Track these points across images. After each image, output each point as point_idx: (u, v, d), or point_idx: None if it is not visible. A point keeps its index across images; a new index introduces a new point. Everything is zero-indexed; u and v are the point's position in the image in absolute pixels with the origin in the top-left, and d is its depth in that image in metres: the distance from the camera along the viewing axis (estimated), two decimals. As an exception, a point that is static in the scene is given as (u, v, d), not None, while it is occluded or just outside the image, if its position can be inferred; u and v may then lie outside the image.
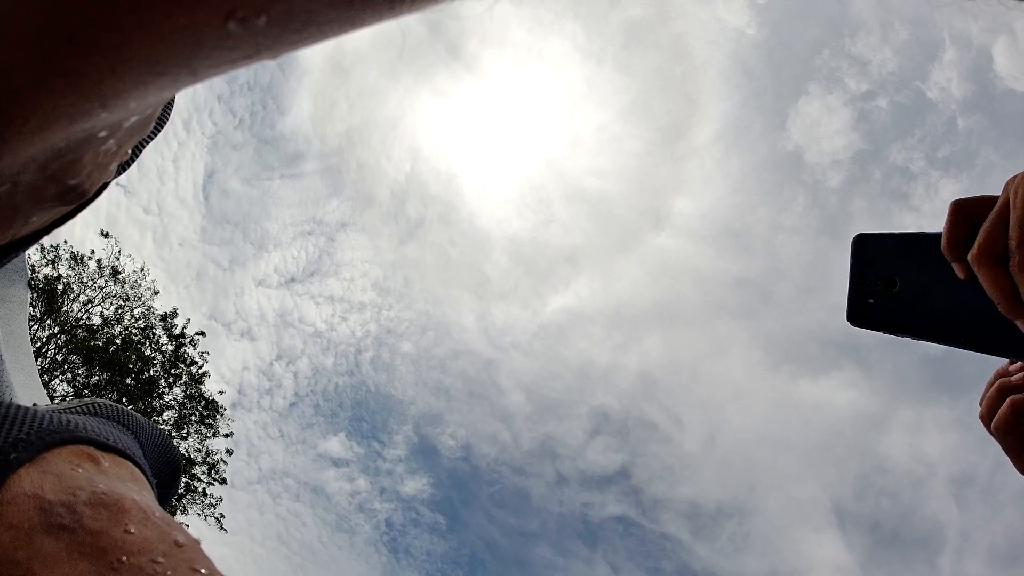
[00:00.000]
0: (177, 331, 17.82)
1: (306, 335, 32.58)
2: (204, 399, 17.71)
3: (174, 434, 16.77)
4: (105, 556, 0.29)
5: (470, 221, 35.15)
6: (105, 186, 0.41)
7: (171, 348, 17.73)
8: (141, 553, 0.30)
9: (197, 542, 0.34)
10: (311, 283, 33.30)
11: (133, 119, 0.29)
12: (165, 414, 16.79)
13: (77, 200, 0.33)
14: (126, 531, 0.31)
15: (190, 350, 17.87)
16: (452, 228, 34.67)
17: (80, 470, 0.34)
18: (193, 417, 17.36)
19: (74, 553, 0.28)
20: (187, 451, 16.78)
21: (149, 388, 16.70)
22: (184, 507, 15.93)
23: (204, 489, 16.37)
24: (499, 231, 35.23)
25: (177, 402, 17.18)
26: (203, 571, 0.31)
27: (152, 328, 17.62)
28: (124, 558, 0.29)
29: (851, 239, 0.66)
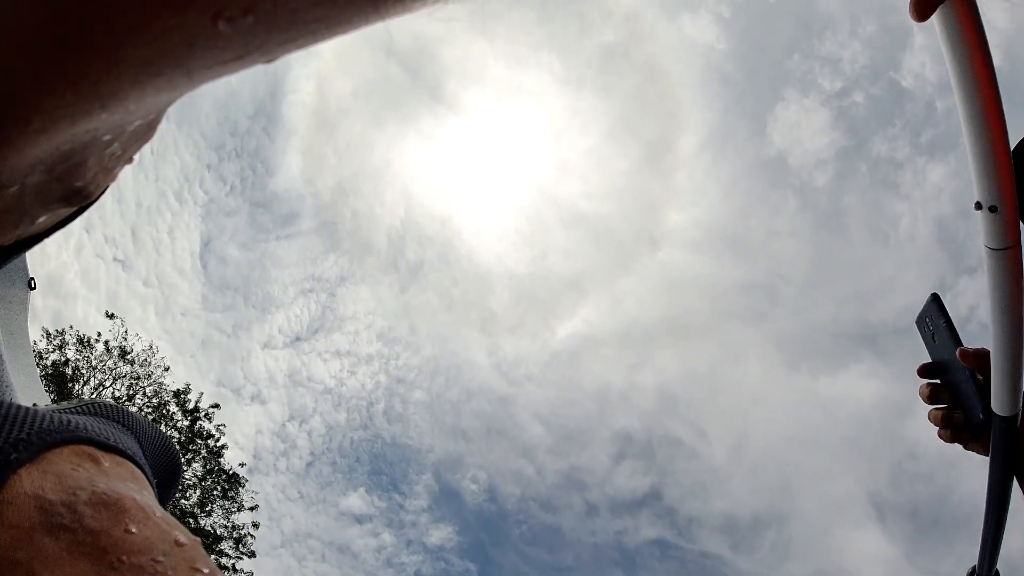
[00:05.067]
0: (191, 406, 17.64)
1: (316, 393, 32.39)
2: (225, 472, 17.41)
3: (198, 512, 16.39)
4: (106, 555, 0.29)
5: (470, 258, 35.32)
6: (106, 188, 0.42)
7: (187, 424, 17.52)
8: (142, 552, 0.30)
9: (198, 541, 0.34)
10: (316, 340, 33.26)
11: (136, 123, 0.29)
12: (187, 493, 16.44)
13: (82, 202, 0.34)
14: (127, 530, 0.31)
15: (206, 424, 17.67)
16: (453, 267, 34.80)
17: (81, 470, 0.34)
18: (215, 492, 17.02)
19: (75, 553, 0.29)
20: (212, 527, 16.37)
21: (168, 466, 16.42)
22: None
23: (233, 564, 15.93)
24: (500, 265, 35.35)
25: (198, 477, 16.85)
26: (204, 570, 0.32)
27: (166, 405, 17.46)
28: (125, 557, 0.29)
29: (930, 295, 1.16)
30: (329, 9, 0.22)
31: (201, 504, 16.59)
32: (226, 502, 17.11)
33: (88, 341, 16.99)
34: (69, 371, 16.33)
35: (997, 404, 1.01)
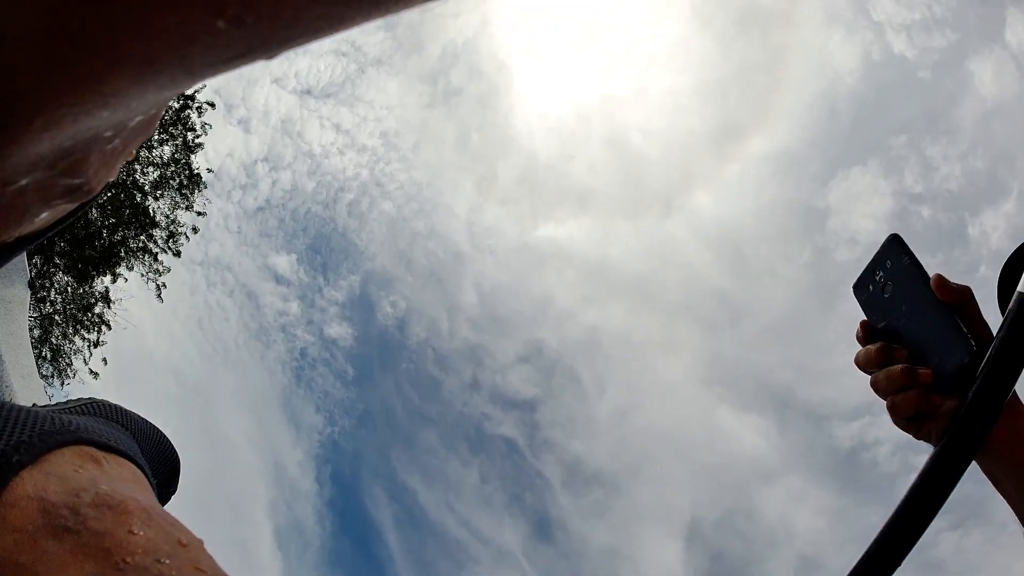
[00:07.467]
0: (189, 91, 17.49)
1: (300, 152, 32.10)
2: (190, 168, 17.69)
3: (148, 191, 16.84)
4: (110, 557, 0.29)
5: (505, 116, 34.27)
6: (107, 183, 0.42)
7: (176, 106, 17.45)
8: (146, 553, 0.30)
9: (200, 542, 0.35)
10: (324, 104, 32.35)
11: (137, 119, 0.29)
12: (148, 170, 16.84)
13: (83, 198, 0.33)
14: (130, 532, 0.31)
15: (194, 115, 17.65)
16: (485, 113, 33.79)
17: (82, 471, 0.35)
18: (173, 182, 17.39)
19: (79, 555, 0.29)
20: (153, 212, 16.96)
21: (141, 138, 16.54)
22: (131, 264, 16.34)
23: (156, 255, 16.82)
24: (528, 139, 34.54)
25: (163, 160, 17.12)
26: (207, 571, 0.32)
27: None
28: (129, 559, 0.29)
29: (888, 235, 0.83)
30: (330, 8, 0.22)
31: (155, 186, 17.04)
32: (179, 197, 17.58)
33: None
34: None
35: None
